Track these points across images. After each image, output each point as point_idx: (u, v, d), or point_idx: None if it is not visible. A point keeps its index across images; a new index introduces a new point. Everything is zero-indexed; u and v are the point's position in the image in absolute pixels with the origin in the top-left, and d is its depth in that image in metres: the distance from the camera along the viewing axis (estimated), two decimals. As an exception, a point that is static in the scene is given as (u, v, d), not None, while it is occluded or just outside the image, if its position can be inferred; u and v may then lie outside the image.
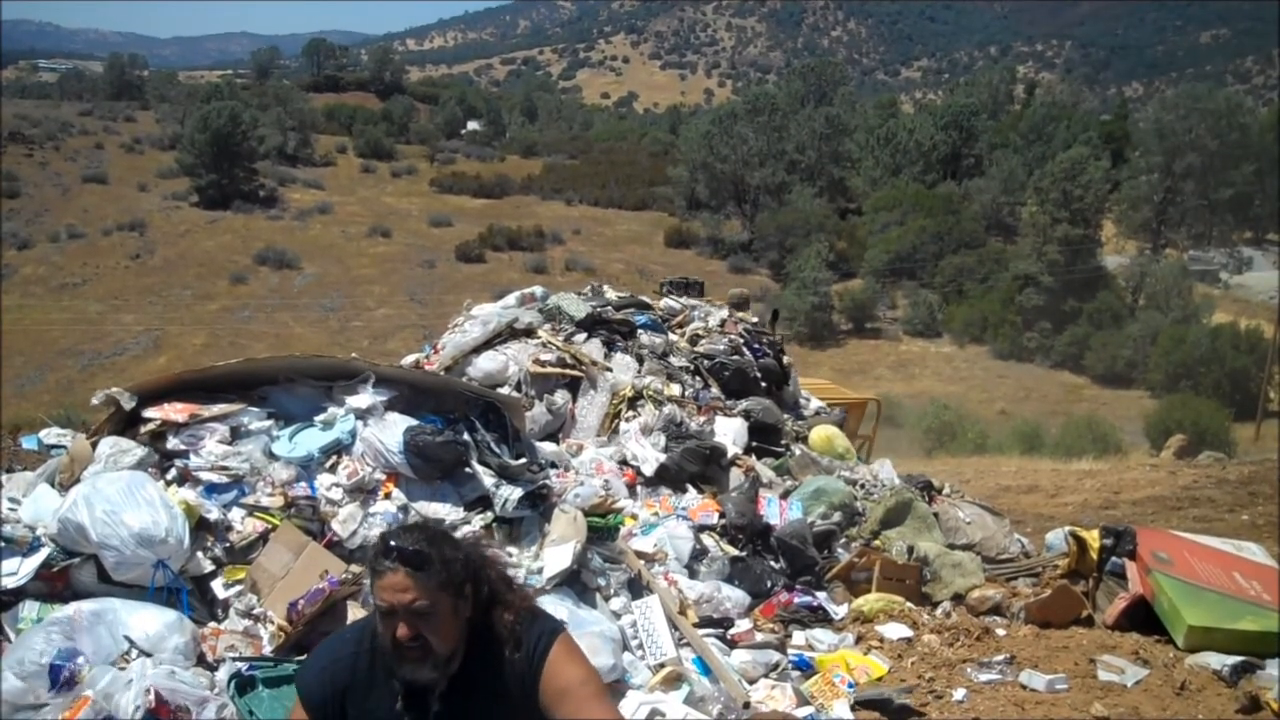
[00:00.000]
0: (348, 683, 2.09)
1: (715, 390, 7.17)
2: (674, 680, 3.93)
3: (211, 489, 4.39)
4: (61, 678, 3.17)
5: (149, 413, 4.63)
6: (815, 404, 8.71)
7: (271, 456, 4.60)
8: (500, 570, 2.17)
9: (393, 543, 1.99)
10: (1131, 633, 4.71)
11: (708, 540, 5.22)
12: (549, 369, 6.48)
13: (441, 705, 2.00)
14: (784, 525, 5.48)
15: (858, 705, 3.95)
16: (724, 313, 8.55)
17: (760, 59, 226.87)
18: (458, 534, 2.16)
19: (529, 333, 6.92)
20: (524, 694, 2.01)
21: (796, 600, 4.93)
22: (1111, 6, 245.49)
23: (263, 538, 4.30)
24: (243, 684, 3.35)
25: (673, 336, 7.74)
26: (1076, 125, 60.68)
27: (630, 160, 69.39)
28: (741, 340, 7.90)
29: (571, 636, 2.15)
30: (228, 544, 4.27)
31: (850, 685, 4.07)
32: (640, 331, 7.43)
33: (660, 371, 7.00)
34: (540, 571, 4.37)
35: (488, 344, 6.67)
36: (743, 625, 4.58)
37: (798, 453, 6.84)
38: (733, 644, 4.45)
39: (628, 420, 6.28)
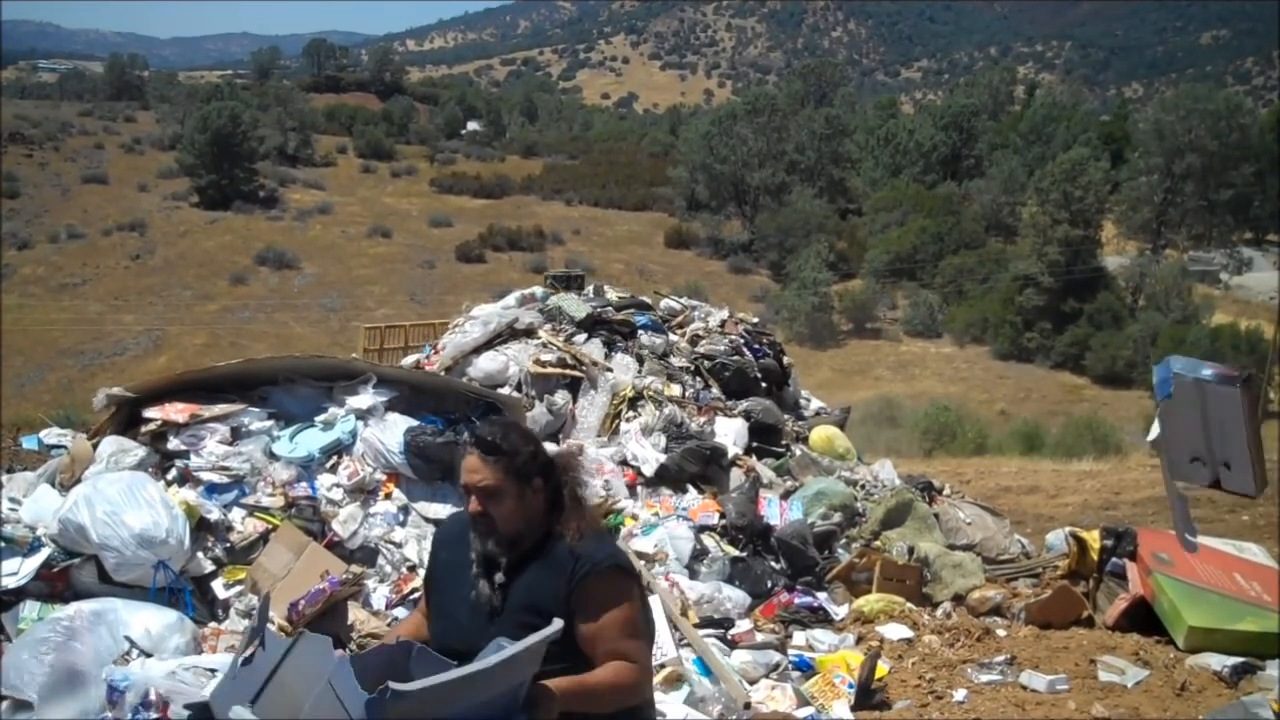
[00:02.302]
0: (455, 535, 2.43)
1: (715, 390, 7.17)
2: (674, 681, 3.93)
3: (212, 489, 4.40)
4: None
5: (150, 413, 4.64)
6: (815, 404, 8.71)
7: (272, 457, 4.60)
8: (578, 487, 2.37)
9: (475, 430, 2.34)
10: (1132, 633, 4.71)
11: (708, 541, 5.22)
12: (549, 369, 6.48)
13: (505, 578, 2.28)
14: (784, 526, 5.48)
15: (857, 705, 3.95)
16: (724, 313, 8.55)
17: (760, 59, 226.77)
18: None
19: (529, 333, 6.93)
20: (564, 605, 2.21)
21: (797, 601, 4.92)
22: (1111, 6, 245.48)
23: (263, 538, 4.31)
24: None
25: (673, 337, 7.74)
26: (1076, 126, 60.66)
27: (630, 160, 69.32)
28: (742, 340, 7.90)
29: (628, 576, 2.31)
30: (228, 544, 4.28)
31: (850, 685, 4.07)
32: (641, 332, 7.43)
33: (660, 372, 7.00)
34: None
35: (488, 344, 6.67)
36: (743, 626, 4.58)
37: (798, 453, 6.84)
38: (733, 644, 4.44)
39: (628, 420, 6.28)
